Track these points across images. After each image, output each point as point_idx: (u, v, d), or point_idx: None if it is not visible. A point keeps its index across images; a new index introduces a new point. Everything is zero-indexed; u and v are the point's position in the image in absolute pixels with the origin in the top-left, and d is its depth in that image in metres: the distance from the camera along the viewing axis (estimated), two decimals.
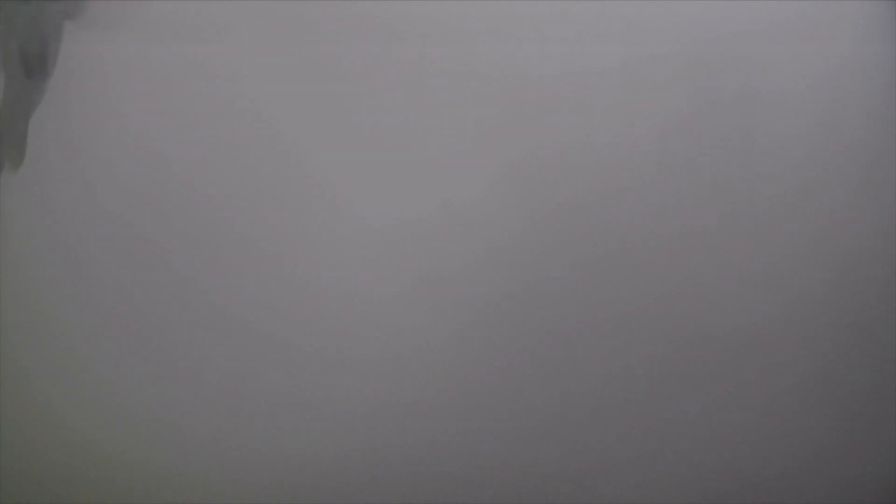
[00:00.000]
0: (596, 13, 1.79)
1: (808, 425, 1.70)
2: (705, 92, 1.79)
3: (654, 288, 1.76)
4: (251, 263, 1.76)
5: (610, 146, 1.76)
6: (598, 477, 1.74)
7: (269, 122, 1.77)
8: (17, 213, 1.68)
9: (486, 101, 1.78)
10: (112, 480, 1.65)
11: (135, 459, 1.67)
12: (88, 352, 1.67)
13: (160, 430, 1.72)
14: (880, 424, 1.72)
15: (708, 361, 1.73)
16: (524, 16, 1.77)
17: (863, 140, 1.71)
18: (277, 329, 1.77)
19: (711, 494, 1.69)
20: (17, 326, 1.67)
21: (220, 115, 1.75)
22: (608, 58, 1.79)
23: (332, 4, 1.79)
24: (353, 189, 1.78)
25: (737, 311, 1.69)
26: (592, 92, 1.78)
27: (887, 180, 1.71)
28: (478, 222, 1.71)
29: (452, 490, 1.76)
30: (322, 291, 1.79)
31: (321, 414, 1.75)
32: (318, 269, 1.79)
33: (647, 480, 1.73)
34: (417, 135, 1.77)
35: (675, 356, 1.75)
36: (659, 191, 1.68)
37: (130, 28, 1.66)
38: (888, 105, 1.71)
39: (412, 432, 1.77)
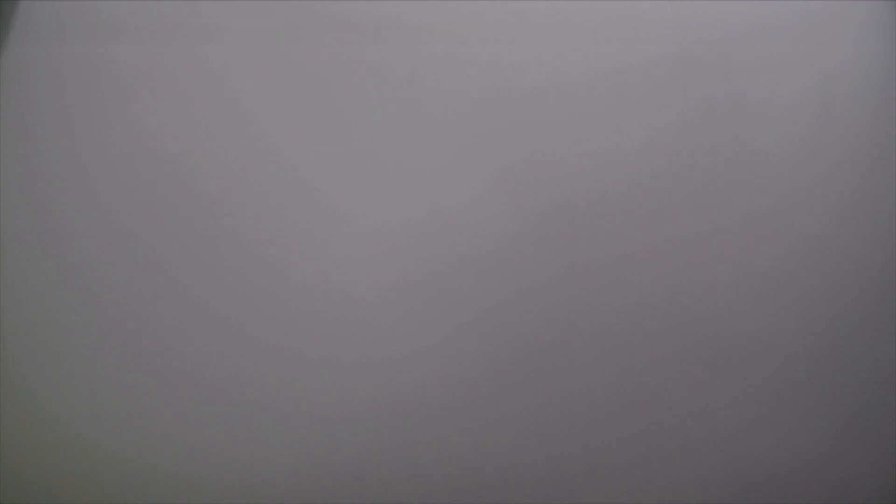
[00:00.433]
0: (585, 20, 1.77)
1: (808, 425, 1.69)
2: (695, 97, 1.77)
3: (644, 292, 1.75)
4: (245, 266, 1.76)
5: (599, 151, 1.75)
6: (589, 477, 1.73)
7: (263, 126, 1.75)
8: (17, 213, 1.70)
9: (475, 106, 1.76)
10: (112, 481, 1.64)
11: (133, 460, 1.65)
12: (87, 352, 1.67)
13: (155, 430, 1.69)
14: (880, 424, 1.70)
15: (697, 364, 1.72)
16: (514, 22, 1.76)
17: (862, 140, 1.69)
18: (269, 330, 1.76)
19: (711, 494, 1.68)
20: (17, 326, 1.67)
21: (215, 118, 1.74)
22: (597, 64, 1.77)
23: (323, 7, 1.78)
24: (346, 193, 1.77)
25: (728, 314, 1.68)
26: (582, 98, 1.77)
27: (887, 180, 1.68)
28: (468, 226, 1.71)
29: (444, 489, 1.75)
30: (313, 294, 1.79)
31: (312, 414, 1.74)
32: (309, 272, 1.78)
33: (643, 481, 1.71)
34: (408, 140, 1.76)
35: (665, 358, 1.74)
36: (649, 195, 1.66)
37: (130, 29, 1.66)
38: (888, 105, 1.68)
39: (403, 433, 1.77)
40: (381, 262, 1.64)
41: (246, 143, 1.64)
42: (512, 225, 1.65)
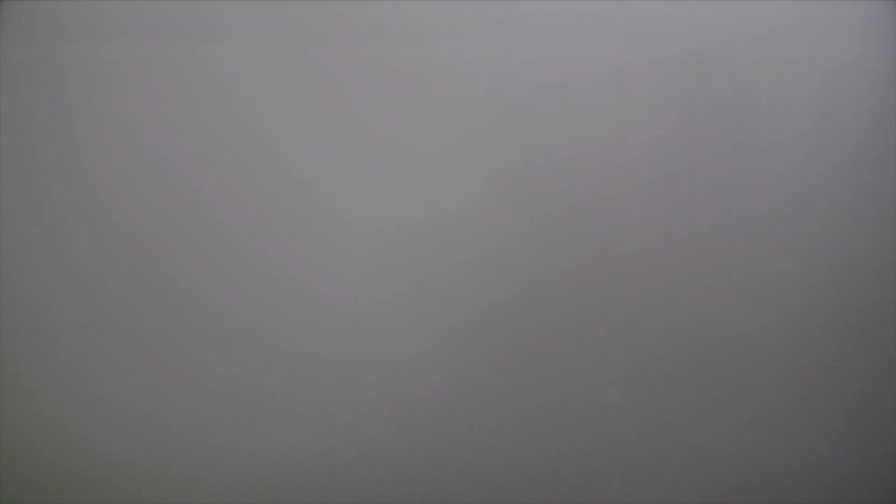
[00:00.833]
0: (587, 21, 1.76)
1: (808, 425, 1.69)
2: (698, 97, 1.77)
3: (646, 293, 1.75)
4: (245, 268, 1.75)
5: (601, 152, 1.74)
6: (590, 476, 1.73)
7: (263, 127, 1.74)
8: (17, 213, 1.69)
9: (477, 107, 1.75)
10: (112, 482, 1.64)
11: (133, 461, 1.65)
12: (86, 353, 1.67)
13: (157, 432, 1.69)
14: (880, 424, 1.70)
15: (698, 365, 1.71)
16: (515, 23, 1.75)
17: (863, 140, 1.68)
18: (271, 333, 1.74)
19: (711, 494, 1.68)
20: (16, 326, 1.67)
21: (214, 118, 1.73)
22: (599, 65, 1.76)
23: (324, 7, 1.77)
24: (347, 195, 1.76)
25: (729, 315, 1.68)
26: (584, 99, 1.76)
27: (888, 180, 1.68)
28: (469, 228, 1.70)
29: (447, 489, 1.74)
30: (314, 295, 1.77)
31: (316, 415, 1.73)
32: (310, 273, 1.77)
33: (643, 480, 1.71)
34: (409, 141, 1.76)
35: (665, 360, 1.73)
36: (651, 197, 1.66)
37: (128, 29, 1.65)
38: (888, 104, 1.67)
39: (403, 434, 1.76)
40: (383, 265, 1.64)
41: (246, 145, 1.64)
42: (513, 227, 1.65)
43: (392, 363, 1.64)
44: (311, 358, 1.64)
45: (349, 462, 1.64)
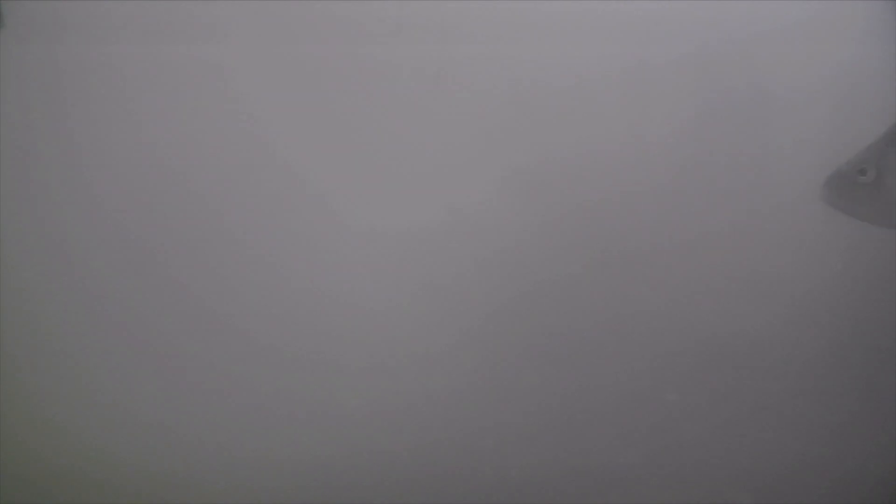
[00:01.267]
0: (602, 17, 1.75)
1: (808, 425, 1.69)
2: (715, 94, 1.75)
3: (663, 291, 1.73)
4: (252, 271, 1.72)
5: (619, 150, 1.73)
6: (602, 477, 1.72)
7: (270, 130, 1.72)
8: (16, 213, 1.68)
9: (492, 106, 1.73)
10: (112, 482, 1.64)
11: (133, 461, 1.65)
12: (86, 353, 1.67)
13: (160, 434, 1.68)
14: (880, 424, 1.70)
15: (711, 363, 1.72)
16: (530, 20, 1.74)
17: (863, 140, 1.69)
18: (284, 336, 1.68)
19: (711, 494, 1.68)
20: (16, 326, 1.66)
21: (216, 119, 1.73)
22: (616, 61, 1.75)
23: (338, 6, 1.76)
24: (360, 196, 1.73)
25: (743, 312, 1.68)
26: (600, 96, 1.74)
27: None
28: (483, 227, 1.69)
29: (456, 491, 1.74)
30: (327, 298, 1.74)
31: (331, 417, 1.70)
32: (323, 276, 1.74)
33: (647, 480, 1.71)
34: (423, 141, 1.74)
35: (678, 357, 1.73)
36: (669, 194, 1.65)
37: (129, 29, 1.65)
38: (888, 104, 1.68)
39: (420, 435, 1.74)
40: (397, 267, 1.64)
41: (250, 146, 1.64)
42: (529, 225, 1.64)
43: (408, 364, 1.64)
44: (328, 361, 1.64)
45: (367, 462, 1.64)
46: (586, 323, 1.67)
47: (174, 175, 1.66)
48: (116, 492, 1.63)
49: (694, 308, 1.69)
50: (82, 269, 1.65)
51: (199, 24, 1.64)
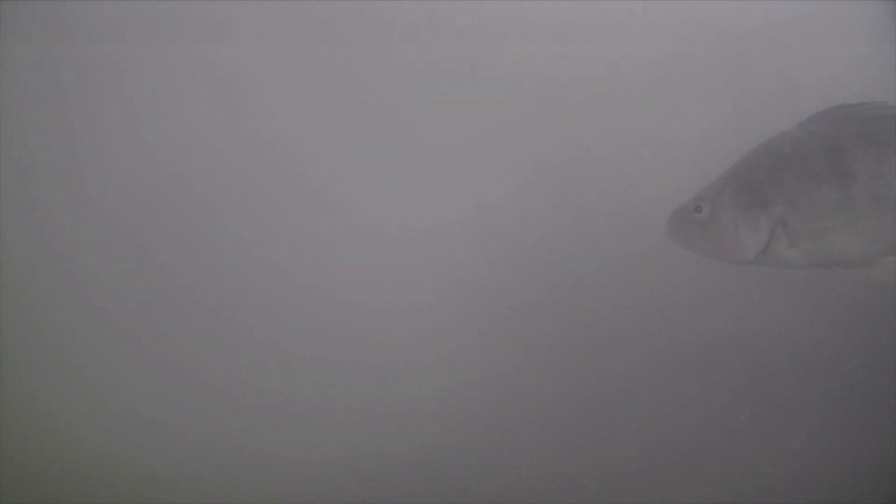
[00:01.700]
0: (628, 13, 1.74)
1: (808, 425, 1.69)
2: (744, 87, 1.73)
3: (689, 289, 1.73)
4: (277, 273, 1.71)
5: (648, 145, 1.71)
6: (602, 477, 1.72)
7: (283, 130, 1.72)
8: (16, 212, 1.67)
9: (520, 101, 1.71)
10: (112, 482, 1.64)
11: (133, 461, 1.65)
12: (87, 353, 1.66)
13: (160, 433, 1.69)
14: (880, 424, 1.71)
15: (708, 362, 1.72)
16: (555, 16, 1.72)
17: None
18: (312, 341, 1.70)
19: (712, 494, 1.68)
20: (16, 326, 1.66)
21: (218, 119, 1.72)
22: (643, 56, 1.73)
23: (359, 5, 1.74)
24: (383, 195, 1.72)
25: (741, 311, 1.68)
26: (628, 91, 1.73)
27: None
28: (512, 224, 1.67)
29: (484, 490, 1.73)
30: (355, 300, 1.73)
31: (354, 419, 1.71)
32: (350, 278, 1.74)
33: (647, 480, 1.72)
34: (448, 139, 1.72)
35: (686, 354, 1.72)
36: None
37: (129, 29, 1.65)
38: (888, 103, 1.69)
39: (448, 434, 1.73)
40: (425, 263, 1.63)
41: (255, 146, 1.64)
42: (558, 221, 1.64)
43: (437, 363, 1.64)
44: (358, 363, 1.64)
45: (386, 462, 1.63)
46: (616, 319, 1.66)
47: (175, 175, 1.65)
48: (117, 492, 1.62)
49: (708, 305, 1.68)
50: (83, 269, 1.64)
51: (199, 24, 1.64)
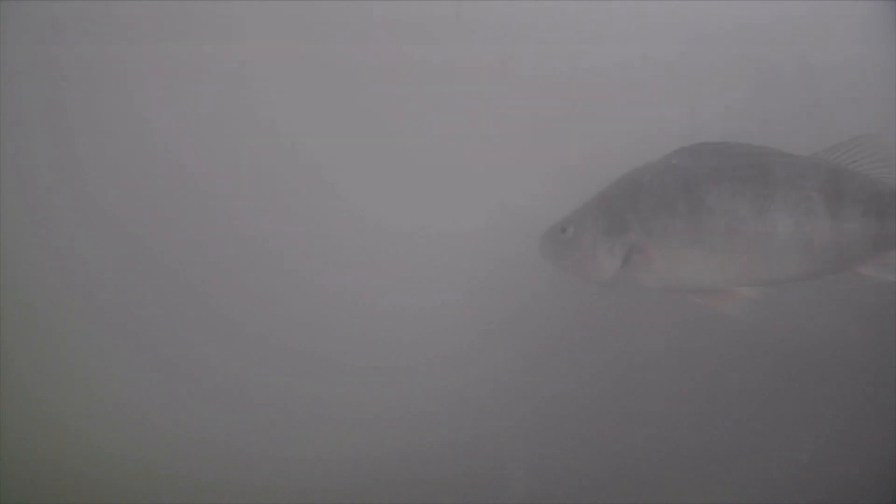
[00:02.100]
0: (646, 8, 1.72)
1: (808, 425, 1.69)
2: (767, 85, 1.72)
3: None
4: (290, 273, 1.70)
5: (671, 139, 1.69)
6: (603, 476, 1.72)
7: (315, 130, 1.70)
8: (16, 213, 1.68)
9: (541, 99, 1.69)
10: (112, 482, 1.64)
11: (135, 462, 1.65)
12: (88, 353, 1.67)
13: (165, 434, 1.69)
14: (880, 424, 1.70)
15: (710, 361, 1.71)
16: (575, 14, 1.70)
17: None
18: (324, 342, 1.66)
19: (711, 494, 1.68)
20: (16, 326, 1.66)
21: (220, 120, 1.72)
22: (663, 52, 1.71)
23: (376, 4, 1.73)
24: (406, 196, 1.71)
25: (757, 311, 1.67)
26: (649, 86, 1.70)
27: None
28: (536, 224, 1.66)
29: (484, 490, 1.73)
30: (375, 300, 1.70)
31: (365, 419, 1.70)
32: (370, 278, 1.72)
33: (651, 479, 1.72)
34: (469, 139, 1.71)
35: (696, 357, 1.71)
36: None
37: (130, 29, 1.65)
38: (888, 104, 1.69)
39: (462, 433, 1.71)
40: (448, 265, 1.63)
41: (261, 145, 1.63)
42: None
43: (455, 364, 1.64)
44: (370, 367, 1.65)
45: (393, 463, 1.64)
46: (629, 319, 1.66)
47: (175, 176, 1.66)
48: (117, 492, 1.63)
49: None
50: (83, 269, 1.65)
51: (199, 24, 1.64)
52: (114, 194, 1.65)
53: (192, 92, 1.64)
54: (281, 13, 1.65)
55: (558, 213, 1.57)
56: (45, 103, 1.65)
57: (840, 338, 1.70)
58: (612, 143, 1.63)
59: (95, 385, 1.65)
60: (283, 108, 1.65)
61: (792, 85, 1.66)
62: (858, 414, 1.70)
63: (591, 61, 1.64)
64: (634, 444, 1.69)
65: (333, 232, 1.66)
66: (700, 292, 1.36)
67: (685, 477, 1.67)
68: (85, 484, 1.63)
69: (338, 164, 1.65)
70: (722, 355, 1.69)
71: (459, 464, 1.67)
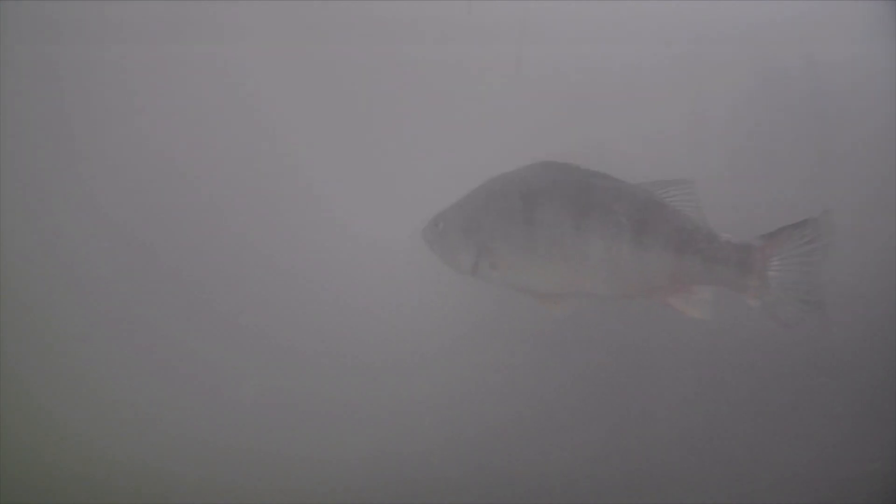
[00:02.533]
0: (646, 11, 1.71)
1: (808, 425, 1.69)
2: (770, 68, 1.72)
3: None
4: (282, 273, 1.69)
5: (669, 143, 1.70)
6: (603, 476, 1.72)
7: (279, 128, 1.70)
8: (17, 214, 1.68)
9: (536, 97, 1.70)
10: (112, 482, 1.65)
11: (136, 462, 1.65)
12: (88, 353, 1.67)
13: (166, 434, 1.69)
14: (880, 424, 1.70)
15: (711, 361, 1.71)
16: (575, 13, 1.70)
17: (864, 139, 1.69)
18: (318, 342, 1.65)
19: (712, 494, 1.68)
20: (16, 326, 1.67)
21: (220, 119, 1.72)
22: (664, 54, 1.69)
23: (378, 5, 1.73)
24: (397, 197, 1.71)
25: (758, 310, 1.66)
26: (651, 84, 1.69)
27: (889, 178, 1.69)
28: None
29: (486, 490, 1.73)
30: (372, 302, 1.67)
31: (367, 417, 1.66)
32: (357, 277, 1.71)
33: (649, 479, 1.72)
34: (463, 135, 1.71)
35: (692, 357, 1.71)
36: (728, 179, 1.64)
37: (130, 29, 1.65)
38: (888, 104, 1.69)
39: (456, 432, 1.68)
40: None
41: (256, 145, 1.63)
42: None
43: (444, 363, 1.64)
44: (363, 364, 1.64)
45: (389, 462, 1.64)
46: (625, 317, 1.66)
47: (176, 176, 1.66)
48: (117, 492, 1.63)
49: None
50: (83, 269, 1.65)
51: (199, 24, 1.64)
52: (114, 194, 1.65)
53: (192, 92, 1.64)
54: (284, 14, 1.65)
55: None
56: (44, 103, 1.65)
57: (840, 338, 1.69)
58: (620, 143, 1.64)
59: (95, 385, 1.65)
60: (283, 109, 1.65)
61: (796, 83, 1.66)
62: (858, 414, 1.70)
63: (599, 62, 1.65)
64: (634, 444, 1.69)
65: (335, 233, 1.66)
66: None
67: (685, 477, 1.67)
68: (85, 484, 1.63)
69: (342, 165, 1.65)
70: (722, 355, 1.69)
71: (459, 463, 1.67)
